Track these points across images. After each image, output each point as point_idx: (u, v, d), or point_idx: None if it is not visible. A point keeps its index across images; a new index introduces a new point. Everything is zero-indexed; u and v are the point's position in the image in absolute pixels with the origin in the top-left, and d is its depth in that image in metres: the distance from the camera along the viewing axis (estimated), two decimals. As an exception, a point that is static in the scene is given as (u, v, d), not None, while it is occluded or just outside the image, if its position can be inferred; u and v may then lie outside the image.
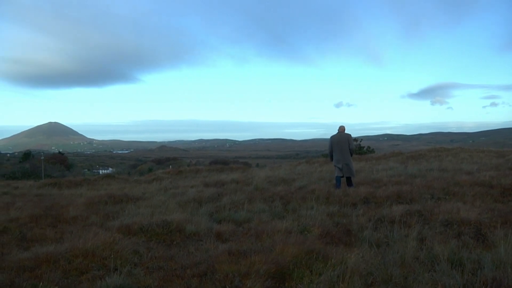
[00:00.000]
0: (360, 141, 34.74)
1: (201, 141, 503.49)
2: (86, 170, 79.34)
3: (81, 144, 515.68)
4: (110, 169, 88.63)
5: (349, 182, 10.97)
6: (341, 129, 11.26)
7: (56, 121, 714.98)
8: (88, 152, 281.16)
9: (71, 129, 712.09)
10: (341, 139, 11.03)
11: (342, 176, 10.96)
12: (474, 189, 9.41)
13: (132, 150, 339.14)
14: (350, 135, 11.20)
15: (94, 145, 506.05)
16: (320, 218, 7.30)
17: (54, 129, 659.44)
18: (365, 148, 33.48)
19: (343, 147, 10.92)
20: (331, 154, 11.32)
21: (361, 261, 4.66)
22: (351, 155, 11.05)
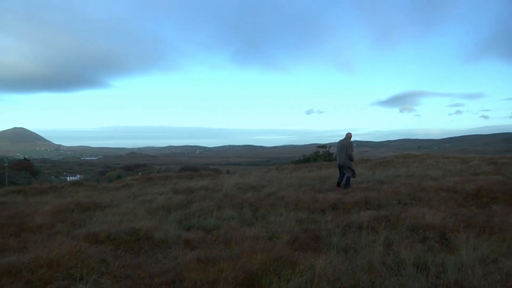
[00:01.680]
0: (329, 148, 35.11)
1: (171, 147, 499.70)
2: (53, 177, 77.64)
3: (48, 150, 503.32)
4: (78, 176, 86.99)
5: (346, 180, 12.08)
6: (348, 135, 12.42)
7: (22, 126, 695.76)
8: (55, 159, 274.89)
9: (37, 134, 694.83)
10: (342, 144, 12.28)
11: (342, 176, 12.27)
12: (439, 194, 9.64)
13: (101, 156, 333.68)
14: (350, 142, 12.35)
15: (62, 151, 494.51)
16: (289, 224, 7.34)
17: (19, 135, 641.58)
18: (334, 155, 33.83)
19: (342, 151, 12.17)
20: (336, 156, 12.73)
21: (329, 267, 4.69)
22: (351, 160, 12.07)
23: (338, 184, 12.26)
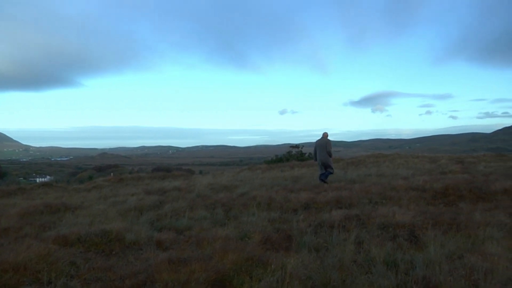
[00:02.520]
0: (302, 148, 35.30)
1: (143, 148, 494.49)
2: (22, 178, 75.71)
3: (16, 151, 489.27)
4: (48, 177, 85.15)
5: (324, 176, 12.99)
6: (324, 135, 13.54)
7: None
8: (24, 160, 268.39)
9: (4, 135, 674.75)
10: (321, 143, 13.26)
11: (324, 174, 13.08)
12: (409, 193, 9.82)
13: (71, 157, 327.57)
14: (329, 140, 13.38)
15: (31, 152, 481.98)
16: (261, 224, 7.36)
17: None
18: (306, 155, 34.05)
19: (322, 150, 13.10)
20: (315, 155, 13.55)
21: (300, 266, 4.74)
22: (330, 156, 13.12)
23: (321, 178, 13.07)
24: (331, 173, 13.18)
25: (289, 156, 33.16)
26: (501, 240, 5.86)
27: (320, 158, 13.16)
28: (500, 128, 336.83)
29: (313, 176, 14.81)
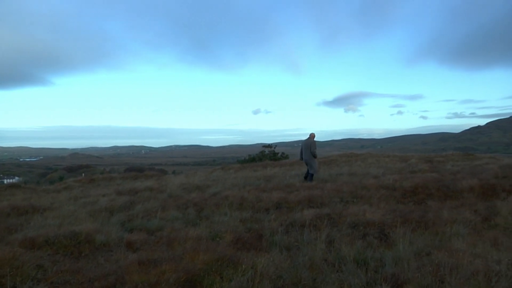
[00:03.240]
0: (275, 147, 35.43)
1: (115, 148, 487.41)
2: (-12, 179, 73.80)
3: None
4: (17, 178, 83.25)
5: (309, 176, 13.47)
6: (311, 135, 14.09)
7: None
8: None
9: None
10: (307, 143, 13.83)
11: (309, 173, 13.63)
12: (380, 192, 9.96)
13: (41, 157, 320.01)
14: (314, 141, 13.92)
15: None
16: (233, 224, 7.36)
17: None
18: (279, 154, 34.18)
19: (307, 150, 13.70)
20: (301, 155, 14.18)
21: (271, 265, 4.75)
22: (314, 157, 13.61)
23: (305, 177, 13.74)
24: (312, 174, 13.53)
25: (262, 155, 33.24)
26: (467, 237, 6.04)
27: (305, 158, 13.80)
28: (467, 128, 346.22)
29: (286, 176, 14.88)
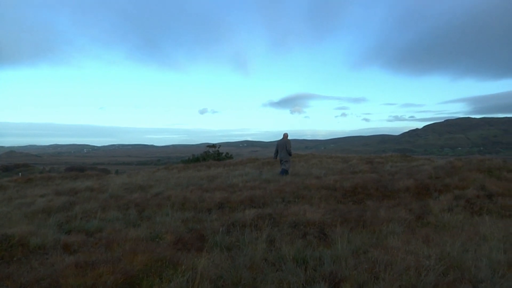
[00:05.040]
0: (219, 147, 35.34)
1: (56, 146, 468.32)
2: None
3: None
4: None
5: (284, 172, 14.58)
6: (284, 136, 15.17)
7: None
8: None
9: None
10: (282, 143, 14.91)
11: (283, 169, 14.74)
12: (321, 192, 10.16)
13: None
14: (289, 140, 15.05)
15: None
16: (174, 224, 7.28)
17: None
18: (223, 154, 34.12)
19: (282, 149, 14.80)
20: (276, 154, 15.32)
21: (211, 266, 4.74)
22: (290, 155, 14.89)
23: (281, 173, 14.67)
24: (287, 169, 14.76)
25: (206, 155, 33.07)
26: (401, 234, 6.29)
27: (281, 156, 14.93)
28: (406, 130, 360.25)
29: (229, 176, 14.89)
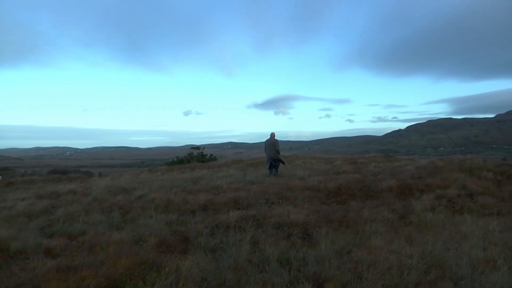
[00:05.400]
0: (203, 149, 35.23)
1: (38, 149, 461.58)
2: None
3: None
4: None
5: (274, 171, 15.11)
6: (272, 135, 15.57)
7: None
8: None
9: None
10: (270, 142, 15.30)
11: (270, 168, 15.18)
12: (305, 193, 10.19)
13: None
14: (276, 140, 15.48)
15: None
16: (158, 227, 7.23)
17: None
18: (208, 156, 34.02)
19: (271, 148, 15.16)
20: (266, 151, 15.56)
21: (195, 268, 4.73)
22: (278, 153, 15.27)
23: (269, 175, 15.01)
24: (283, 162, 15.53)
25: (190, 157, 32.94)
26: (385, 234, 6.35)
27: (269, 154, 15.21)
28: (389, 131, 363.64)
29: (213, 178, 14.85)
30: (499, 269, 4.55)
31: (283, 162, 15.50)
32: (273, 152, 15.17)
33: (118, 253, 5.08)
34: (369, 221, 7.09)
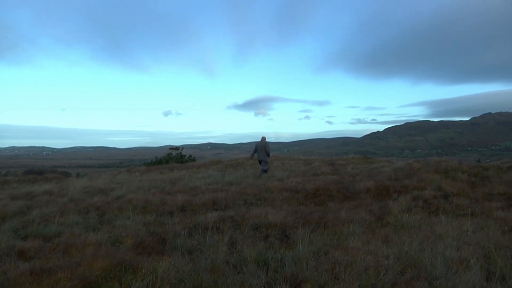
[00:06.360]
0: (182, 150, 35.05)
1: (13, 148, 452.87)
2: None
3: None
4: None
5: (264, 172, 15.86)
6: (263, 138, 16.46)
7: None
8: None
9: None
10: (261, 145, 16.17)
11: (262, 170, 15.99)
12: (283, 194, 10.22)
13: None
14: (267, 143, 16.29)
15: None
16: (135, 228, 7.16)
17: None
18: (186, 157, 33.86)
19: (261, 150, 16.07)
20: (253, 154, 16.72)
21: (172, 269, 4.69)
22: (268, 156, 16.21)
23: (262, 173, 15.86)
24: (266, 169, 16.03)
25: (169, 158, 32.76)
26: (362, 235, 6.40)
27: (260, 157, 16.14)
28: (368, 133, 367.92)
29: (192, 178, 14.81)
30: (472, 269, 4.64)
31: (268, 166, 16.15)
32: (263, 153, 16.04)
33: (94, 255, 4.99)
34: (346, 222, 7.14)
